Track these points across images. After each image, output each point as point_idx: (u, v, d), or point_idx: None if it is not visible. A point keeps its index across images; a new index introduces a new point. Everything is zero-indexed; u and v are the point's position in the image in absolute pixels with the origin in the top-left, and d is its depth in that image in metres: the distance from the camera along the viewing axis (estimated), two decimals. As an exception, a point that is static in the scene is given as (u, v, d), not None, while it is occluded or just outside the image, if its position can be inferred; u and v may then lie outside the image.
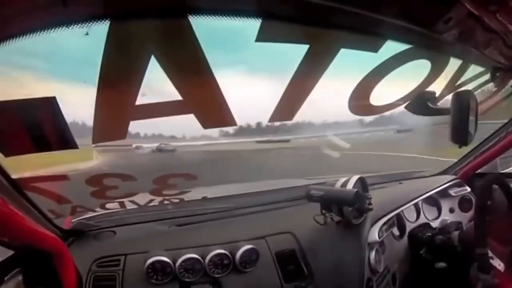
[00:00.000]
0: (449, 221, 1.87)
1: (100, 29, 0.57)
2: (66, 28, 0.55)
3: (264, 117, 0.94)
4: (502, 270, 1.38)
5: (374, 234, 1.41)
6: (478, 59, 1.07)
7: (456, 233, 1.56)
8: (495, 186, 1.53)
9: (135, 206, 1.43)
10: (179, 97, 0.76)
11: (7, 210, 0.70)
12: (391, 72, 0.98)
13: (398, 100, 1.16)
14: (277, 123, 0.97)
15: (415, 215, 1.86)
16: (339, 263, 1.33)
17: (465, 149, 2.01)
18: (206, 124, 0.86)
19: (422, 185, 2.01)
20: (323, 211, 1.41)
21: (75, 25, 0.56)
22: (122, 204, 1.41)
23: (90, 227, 1.35)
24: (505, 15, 0.74)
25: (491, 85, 1.23)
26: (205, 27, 0.64)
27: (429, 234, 1.65)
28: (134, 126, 0.79)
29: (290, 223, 1.47)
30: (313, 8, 0.67)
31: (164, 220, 1.47)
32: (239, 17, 0.65)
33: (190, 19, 0.62)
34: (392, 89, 1.11)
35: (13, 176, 0.85)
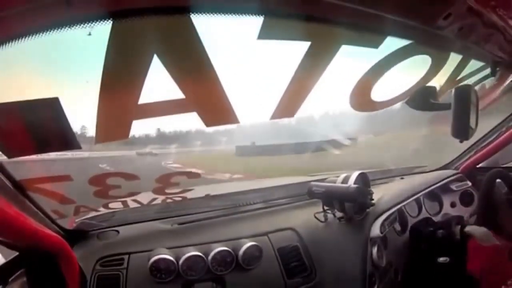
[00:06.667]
0: (450, 216, 1.87)
1: (102, 29, 0.57)
2: (69, 29, 0.56)
3: (266, 115, 0.94)
4: None
5: (376, 230, 1.42)
6: (478, 54, 1.07)
7: (458, 227, 1.56)
8: (497, 181, 1.54)
9: (138, 205, 1.43)
10: (182, 96, 0.76)
11: (10, 211, 0.71)
12: (392, 68, 0.98)
13: (399, 96, 1.16)
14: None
15: (416, 210, 1.87)
16: (342, 259, 1.33)
17: (466, 144, 2.02)
18: (208, 122, 0.86)
19: (423, 180, 2.01)
20: (325, 208, 1.41)
21: (78, 25, 0.56)
22: (125, 203, 1.41)
23: (94, 226, 1.35)
24: (504, 10, 0.75)
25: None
26: (207, 25, 0.64)
27: (431, 228, 1.65)
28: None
29: (292, 220, 1.48)
30: (314, 5, 0.67)
31: (167, 219, 1.47)
32: (241, 15, 0.65)
33: (192, 18, 0.62)
34: (393, 85, 1.11)
35: (17, 178, 0.86)
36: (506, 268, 1.34)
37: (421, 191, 1.87)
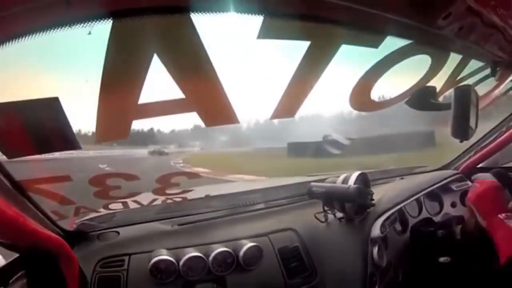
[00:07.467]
0: (451, 216, 1.87)
1: (102, 28, 0.57)
2: (69, 28, 0.56)
3: (266, 115, 0.94)
4: None
5: (376, 230, 1.42)
6: (478, 54, 1.07)
7: (458, 227, 1.56)
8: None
9: (138, 206, 1.43)
10: (182, 96, 0.76)
11: (10, 212, 0.71)
12: (392, 68, 0.98)
13: (399, 96, 1.16)
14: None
15: (417, 210, 1.86)
16: (342, 259, 1.33)
17: (466, 144, 2.02)
18: (208, 122, 0.86)
19: (423, 180, 2.01)
20: (325, 208, 1.41)
21: (78, 25, 0.56)
22: (125, 204, 1.41)
23: (94, 227, 1.35)
24: (504, 10, 0.75)
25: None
26: (207, 25, 0.64)
27: (431, 228, 1.65)
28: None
29: (293, 220, 1.48)
30: (314, 5, 0.67)
31: (167, 220, 1.47)
32: (240, 14, 0.65)
33: (192, 17, 0.62)
34: (393, 85, 1.11)
35: (16, 178, 0.86)
36: (503, 203, 1.32)
37: (421, 191, 1.87)
